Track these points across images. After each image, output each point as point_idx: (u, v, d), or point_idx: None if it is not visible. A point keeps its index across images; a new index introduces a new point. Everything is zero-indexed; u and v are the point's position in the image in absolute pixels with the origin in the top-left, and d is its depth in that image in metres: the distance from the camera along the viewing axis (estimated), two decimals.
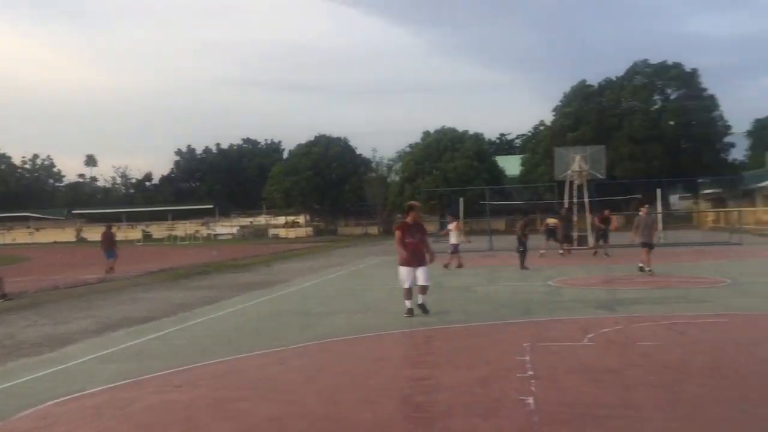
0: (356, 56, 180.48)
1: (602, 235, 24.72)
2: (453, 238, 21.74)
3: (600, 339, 8.89)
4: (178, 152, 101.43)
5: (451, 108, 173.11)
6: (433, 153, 66.15)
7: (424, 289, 11.43)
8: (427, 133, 69.90)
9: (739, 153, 78.59)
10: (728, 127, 65.24)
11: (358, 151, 78.10)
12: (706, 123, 62.23)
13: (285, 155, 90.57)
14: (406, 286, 11.31)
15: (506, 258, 24.25)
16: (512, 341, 8.90)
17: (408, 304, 11.26)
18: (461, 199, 39.30)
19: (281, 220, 78.73)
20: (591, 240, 31.26)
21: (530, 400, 5.94)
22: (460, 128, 69.35)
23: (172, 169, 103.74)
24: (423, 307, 11.31)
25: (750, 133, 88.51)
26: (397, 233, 11.47)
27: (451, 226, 21.98)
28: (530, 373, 7.00)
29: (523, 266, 19.88)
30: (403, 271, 11.35)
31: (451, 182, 60.69)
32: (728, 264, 20.35)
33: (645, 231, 17.74)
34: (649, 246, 17.64)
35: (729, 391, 6.10)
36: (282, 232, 73.60)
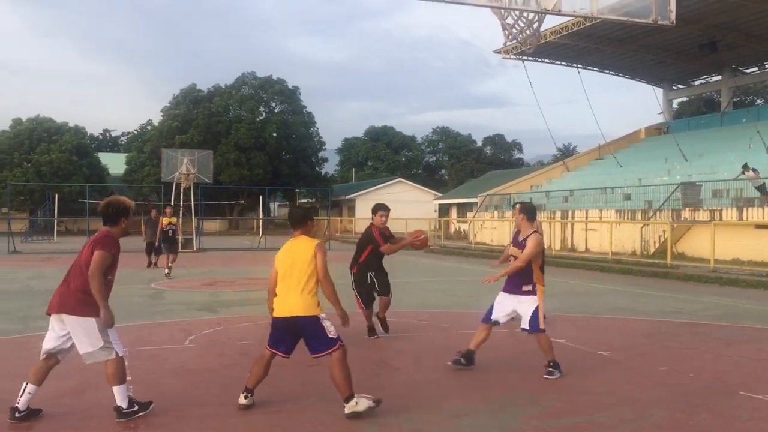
0: None
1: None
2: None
3: (201, 340, 9.02)
4: None
5: (50, 96, 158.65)
6: (24, 143, 59.53)
7: None
8: (18, 121, 62.57)
9: (330, 167, 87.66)
10: (322, 143, 72.09)
11: None
12: (304, 137, 67.71)
13: None
14: None
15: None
16: None
17: None
18: (56, 196, 36.35)
19: None
20: (195, 244, 31.65)
21: None
22: (59, 119, 63.91)
23: None
24: None
25: (340, 151, 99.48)
26: None
27: None
28: (128, 378, 6.76)
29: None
30: None
31: (46, 177, 55.52)
32: None
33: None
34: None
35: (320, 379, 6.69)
36: None
